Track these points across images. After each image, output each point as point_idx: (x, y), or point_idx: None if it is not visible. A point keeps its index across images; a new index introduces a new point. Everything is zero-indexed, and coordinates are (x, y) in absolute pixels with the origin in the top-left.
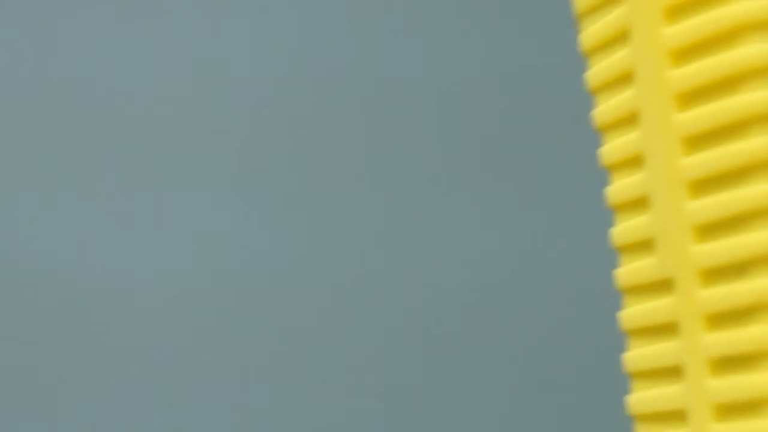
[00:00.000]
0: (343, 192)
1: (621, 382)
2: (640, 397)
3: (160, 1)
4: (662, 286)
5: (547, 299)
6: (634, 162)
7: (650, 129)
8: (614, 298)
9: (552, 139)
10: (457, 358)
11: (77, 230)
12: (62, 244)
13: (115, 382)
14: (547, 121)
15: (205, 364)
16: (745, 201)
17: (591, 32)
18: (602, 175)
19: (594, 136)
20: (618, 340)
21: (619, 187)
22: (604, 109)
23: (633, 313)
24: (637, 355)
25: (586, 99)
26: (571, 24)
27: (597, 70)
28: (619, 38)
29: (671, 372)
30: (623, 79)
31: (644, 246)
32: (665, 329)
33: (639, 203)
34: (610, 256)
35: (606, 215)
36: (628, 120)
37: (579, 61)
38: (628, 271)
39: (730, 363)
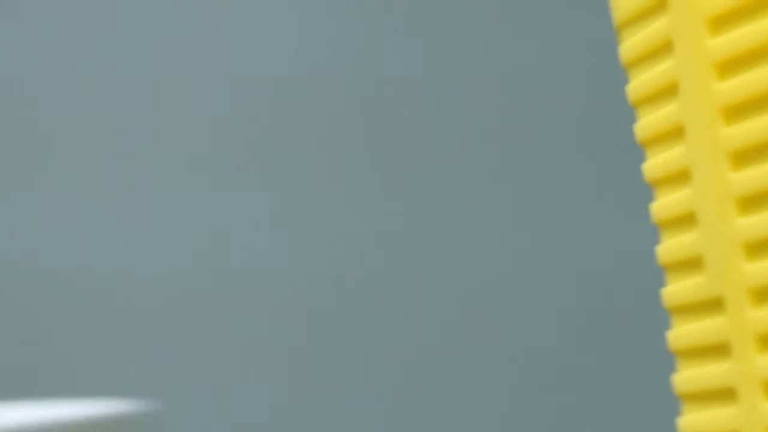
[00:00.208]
0: (343, 192)
1: (621, 381)
2: (692, 421)
3: (160, 2)
4: (712, 305)
5: (547, 299)
6: (679, 177)
7: (696, 143)
8: (614, 297)
9: (552, 139)
10: (457, 358)
11: (77, 230)
12: (62, 244)
13: (115, 381)
14: (547, 121)
15: (205, 363)
16: None
17: (632, 44)
18: (602, 175)
19: (594, 136)
20: (618, 339)
21: (664, 203)
22: (647, 123)
23: (682, 333)
24: (687, 376)
25: (586, 99)
26: (571, 24)
27: (639, 83)
28: (661, 50)
29: (723, 394)
30: (667, 92)
31: (692, 264)
32: (716, 350)
33: (686, 220)
34: (611, 256)
35: (606, 215)
36: (673, 134)
37: (579, 61)
38: (676, 290)
39: None
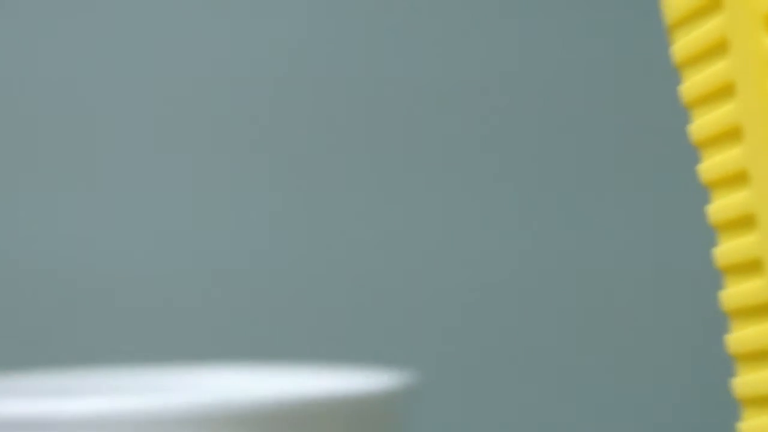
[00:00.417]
0: (344, 192)
1: (621, 382)
2: (754, 426)
3: (160, 2)
4: None
5: (547, 299)
6: (737, 179)
7: (754, 144)
8: (614, 297)
9: (552, 140)
10: (456, 358)
11: (77, 230)
12: (62, 244)
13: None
14: (547, 121)
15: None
16: None
17: (685, 43)
18: (602, 175)
19: (594, 136)
20: (618, 340)
21: (722, 206)
22: (703, 124)
23: (741, 337)
24: (747, 381)
25: (586, 99)
26: (571, 24)
27: (693, 83)
28: (716, 49)
29: None
30: (722, 92)
31: (751, 267)
32: None
33: (744, 222)
34: (611, 256)
35: (606, 215)
36: (730, 135)
37: (580, 62)
38: (735, 293)
39: None
